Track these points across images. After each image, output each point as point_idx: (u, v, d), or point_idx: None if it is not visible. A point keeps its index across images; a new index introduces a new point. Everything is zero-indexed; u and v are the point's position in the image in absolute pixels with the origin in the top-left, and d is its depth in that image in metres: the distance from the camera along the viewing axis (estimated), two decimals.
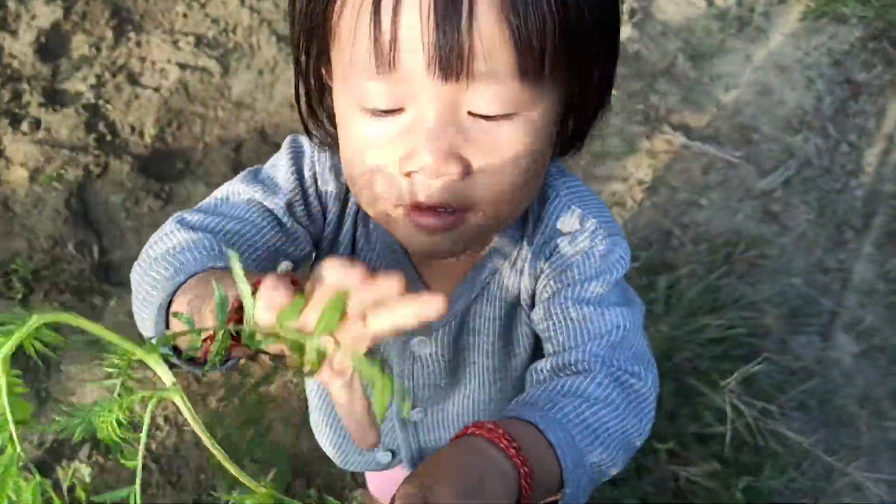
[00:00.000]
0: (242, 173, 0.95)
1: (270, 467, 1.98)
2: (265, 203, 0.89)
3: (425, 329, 1.00)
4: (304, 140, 0.95)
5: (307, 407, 2.19)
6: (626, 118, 2.84)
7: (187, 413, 0.52)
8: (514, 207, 0.84)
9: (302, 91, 0.89)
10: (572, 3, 0.71)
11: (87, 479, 1.90)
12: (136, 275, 0.82)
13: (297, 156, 0.93)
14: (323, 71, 0.86)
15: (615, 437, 0.76)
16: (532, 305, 0.99)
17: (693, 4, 3.33)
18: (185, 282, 0.73)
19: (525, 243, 0.96)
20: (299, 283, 0.59)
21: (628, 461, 0.79)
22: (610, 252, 0.92)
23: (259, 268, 0.84)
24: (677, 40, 3.17)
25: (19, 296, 2.26)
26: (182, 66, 2.93)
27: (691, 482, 1.90)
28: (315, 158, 0.93)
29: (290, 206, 0.91)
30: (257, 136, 2.77)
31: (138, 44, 3.01)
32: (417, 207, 0.78)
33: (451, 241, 0.82)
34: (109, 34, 3.02)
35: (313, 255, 0.99)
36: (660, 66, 3.07)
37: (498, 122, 0.73)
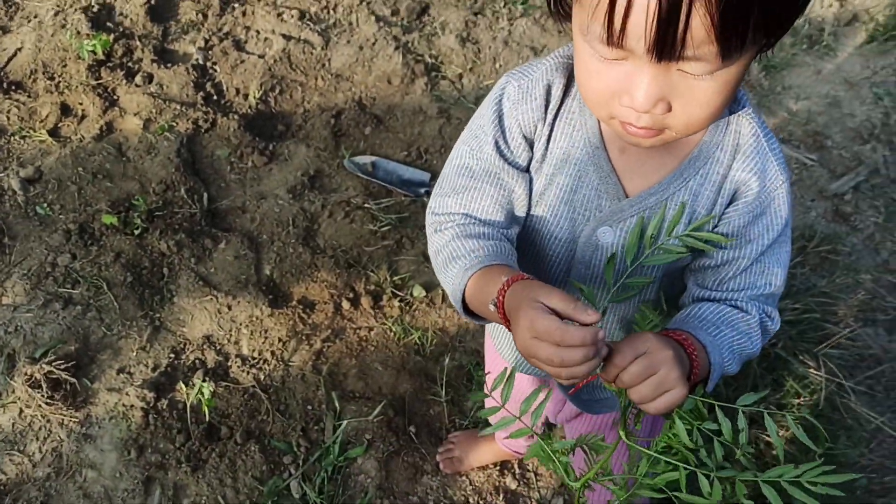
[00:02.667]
0: (463, 135, 1.19)
1: (375, 403, 2.11)
2: (477, 164, 1.15)
3: (613, 217, 1.15)
4: (504, 84, 1.14)
5: (406, 353, 2.30)
6: None
7: None
8: (706, 125, 1.00)
9: None
10: None
11: (209, 397, 2.03)
12: (435, 267, 1.18)
13: (497, 101, 1.14)
14: None
15: (745, 357, 1.12)
16: (714, 227, 1.14)
17: None
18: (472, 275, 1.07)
19: (722, 164, 1.11)
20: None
21: None
22: (791, 212, 1.12)
23: (496, 212, 1.17)
24: None
25: (137, 231, 2.40)
26: (286, 37, 3.08)
27: (771, 445, 2.03)
28: (514, 96, 1.12)
29: (496, 145, 1.14)
30: (356, 105, 2.92)
31: (243, 13, 3.17)
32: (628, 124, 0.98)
33: (650, 143, 1.02)
34: (215, 2, 3.19)
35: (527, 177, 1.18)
36: None
37: (702, 77, 0.90)
